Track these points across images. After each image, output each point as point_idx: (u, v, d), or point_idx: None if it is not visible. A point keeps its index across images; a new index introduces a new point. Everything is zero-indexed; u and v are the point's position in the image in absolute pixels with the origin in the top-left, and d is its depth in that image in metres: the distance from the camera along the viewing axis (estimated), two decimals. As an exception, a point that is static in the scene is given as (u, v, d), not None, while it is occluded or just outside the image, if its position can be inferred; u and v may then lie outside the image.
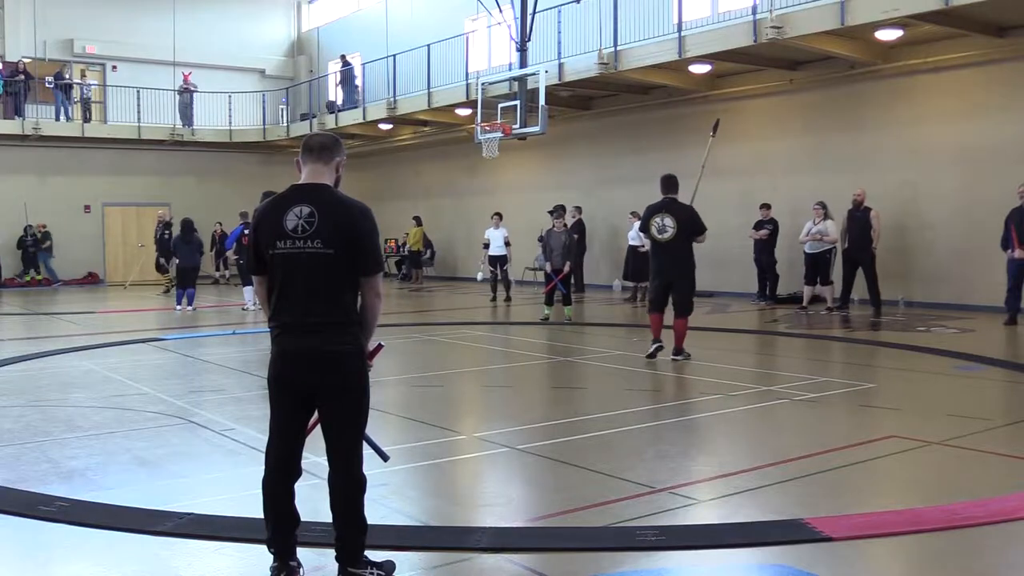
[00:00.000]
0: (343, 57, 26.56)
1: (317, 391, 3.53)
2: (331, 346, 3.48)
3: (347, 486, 3.57)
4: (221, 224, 23.44)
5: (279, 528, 3.60)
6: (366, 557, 3.64)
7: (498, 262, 17.93)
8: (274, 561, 3.59)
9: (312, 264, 3.45)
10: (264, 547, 3.67)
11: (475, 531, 4.34)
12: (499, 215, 18.22)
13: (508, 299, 17.81)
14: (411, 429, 6.71)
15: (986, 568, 3.91)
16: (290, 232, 3.46)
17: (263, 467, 3.65)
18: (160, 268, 20.97)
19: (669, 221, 9.24)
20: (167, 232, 19.79)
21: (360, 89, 24.74)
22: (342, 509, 3.57)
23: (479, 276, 19.38)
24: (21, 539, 4.41)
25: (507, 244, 17.93)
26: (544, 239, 15.21)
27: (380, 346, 3.81)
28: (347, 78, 25.26)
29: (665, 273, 9.49)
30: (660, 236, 9.27)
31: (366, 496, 3.62)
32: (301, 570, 3.62)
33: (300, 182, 3.60)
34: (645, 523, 4.39)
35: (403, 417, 7.23)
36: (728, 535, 4.22)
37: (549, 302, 14.29)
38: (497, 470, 5.70)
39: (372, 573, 3.60)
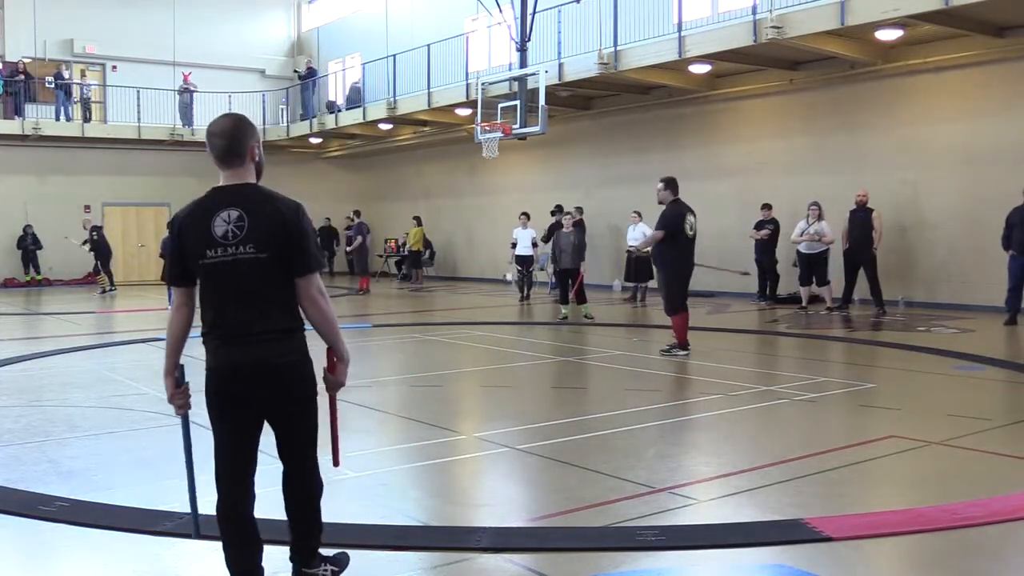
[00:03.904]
0: (308, 63, 26.73)
1: (265, 405, 3.33)
2: (276, 358, 3.27)
3: (306, 492, 3.49)
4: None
5: (244, 557, 3.37)
6: (320, 554, 3.59)
7: (525, 262, 18.23)
8: None
9: (247, 271, 3.22)
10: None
11: (475, 531, 4.33)
12: (527, 215, 18.42)
13: (528, 297, 18.09)
14: (411, 429, 6.71)
15: (986, 568, 3.91)
16: (220, 239, 3.22)
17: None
18: (98, 271, 21.73)
19: (694, 220, 9.93)
20: (95, 234, 21.25)
21: (351, 94, 24.74)
22: (301, 513, 3.49)
23: (508, 276, 19.48)
24: (21, 539, 4.40)
25: (534, 245, 18.06)
26: (554, 239, 15.28)
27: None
28: (312, 86, 25.76)
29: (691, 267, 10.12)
30: (690, 233, 9.87)
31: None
32: None
33: (221, 184, 3.34)
34: (645, 523, 4.38)
35: (403, 417, 7.23)
36: (728, 535, 4.22)
37: (565, 301, 14.33)
38: (497, 470, 5.70)
39: (327, 570, 3.55)
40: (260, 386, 3.28)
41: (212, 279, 3.27)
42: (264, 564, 3.46)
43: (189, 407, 3.40)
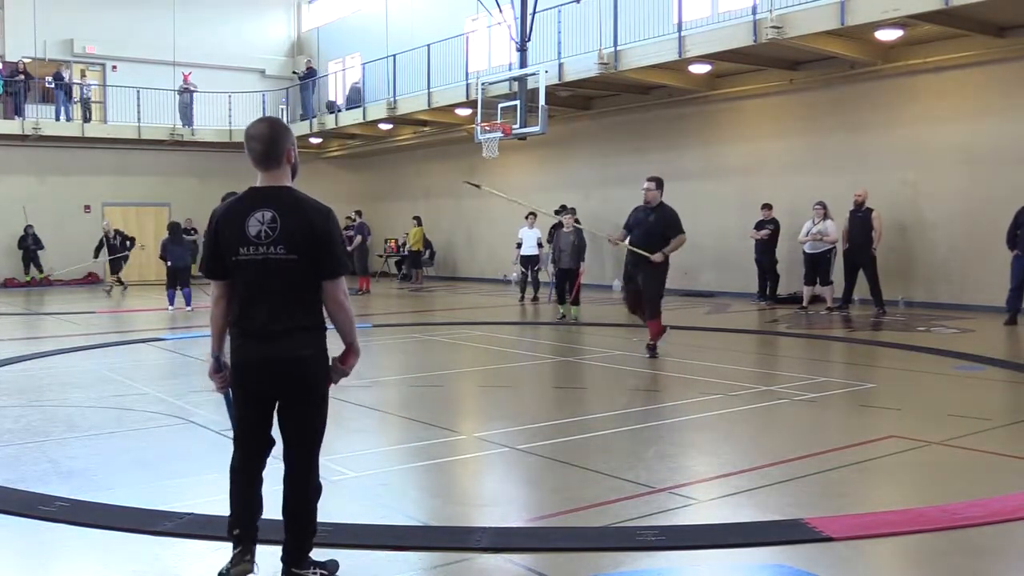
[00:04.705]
0: (308, 63, 26.82)
1: (280, 396, 3.51)
2: (295, 351, 3.43)
3: (305, 492, 3.55)
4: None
5: (245, 514, 3.59)
6: (310, 557, 3.63)
7: (530, 262, 18.12)
8: (236, 546, 3.55)
9: (276, 270, 3.40)
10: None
11: (475, 531, 4.33)
12: (533, 215, 18.29)
13: (535, 299, 17.99)
14: (411, 429, 6.71)
15: (986, 568, 3.91)
16: (253, 238, 3.40)
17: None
18: (115, 271, 22.01)
19: None
20: (116, 239, 21.60)
21: (356, 95, 24.77)
22: (298, 513, 3.54)
23: (511, 276, 19.32)
24: (21, 539, 4.40)
25: (540, 245, 18.00)
26: (554, 240, 15.30)
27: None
28: (312, 86, 25.96)
29: None
30: None
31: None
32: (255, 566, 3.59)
33: (258, 184, 3.52)
34: (645, 523, 4.38)
35: (403, 417, 7.23)
36: (728, 535, 4.22)
37: (562, 301, 14.36)
38: (497, 470, 5.70)
39: (316, 573, 3.59)
40: (278, 381, 3.46)
41: (243, 276, 3.45)
42: (260, 561, 3.53)
43: (228, 383, 3.62)
